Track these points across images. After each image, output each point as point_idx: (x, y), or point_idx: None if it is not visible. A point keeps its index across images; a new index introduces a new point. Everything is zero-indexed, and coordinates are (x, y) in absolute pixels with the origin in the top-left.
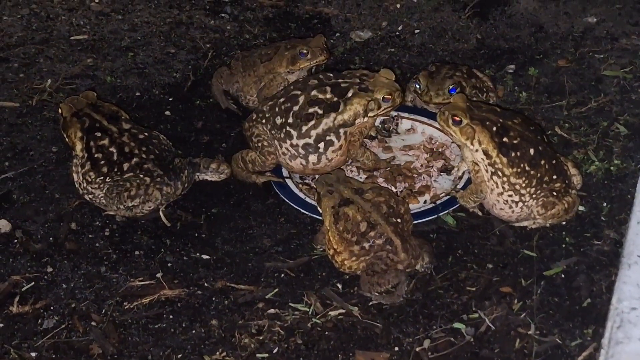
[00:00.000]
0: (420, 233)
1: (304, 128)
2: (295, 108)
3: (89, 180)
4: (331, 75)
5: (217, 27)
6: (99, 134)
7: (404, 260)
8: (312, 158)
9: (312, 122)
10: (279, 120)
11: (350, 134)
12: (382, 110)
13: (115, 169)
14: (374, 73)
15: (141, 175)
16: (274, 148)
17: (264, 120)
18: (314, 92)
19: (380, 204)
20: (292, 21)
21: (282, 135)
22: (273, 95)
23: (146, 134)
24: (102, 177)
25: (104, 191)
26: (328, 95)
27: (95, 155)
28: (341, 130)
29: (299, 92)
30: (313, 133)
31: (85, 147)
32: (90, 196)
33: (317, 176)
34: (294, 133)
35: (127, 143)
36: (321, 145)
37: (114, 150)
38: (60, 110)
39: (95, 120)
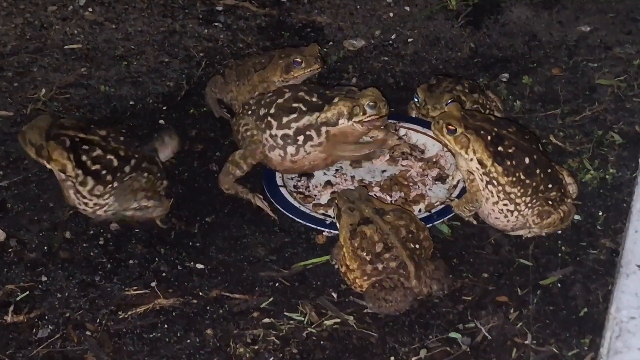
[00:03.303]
0: None
1: (285, 119)
2: (280, 100)
3: (99, 194)
4: (320, 88)
5: (211, 36)
6: (86, 147)
7: (415, 287)
8: (290, 149)
9: (294, 115)
10: (262, 111)
11: (333, 135)
12: (368, 117)
13: (119, 174)
14: (362, 89)
15: (145, 174)
16: (259, 136)
17: (249, 112)
18: (301, 93)
19: (399, 228)
20: (285, 30)
21: (263, 125)
22: (262, 93)
23: (118, 133)
24: (110, 186)
25: (115, 196)
26: (314, 99)
27: (94, 168)
28: (323, 128)
29: (287, 90)
30: (293, 125)
31: (76, 165)
32: (104, 209)
33: (305, 177)
34: (274, 123)
35: (117, 147)
36: (300, 138)
37: (112, 157)
38: (26, 141)
39: (74, 136)
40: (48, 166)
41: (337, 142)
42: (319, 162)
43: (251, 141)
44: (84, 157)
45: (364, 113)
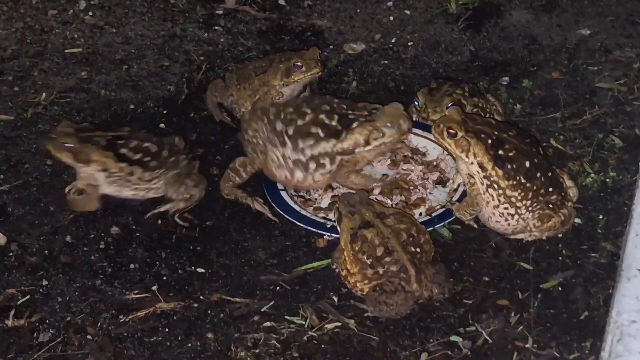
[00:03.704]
0: None
1: (301, 144)
2: (300, 122)
3: (148, 179)
4: (344, 105)
5: (211, 39)
6: (122, 141)
7: (416, 291)
8: (298, 175)
9: (311, 142)
10: (279, 127)
11: (347, 162)
12: (389, 138)
13: (161, 159)
14: (384, 107)
15: (182, 157)
16: (264, 149)
17: (265, 120)
18: (322, 116)
19: (400, 231)
20: (285, 34)
21: (277, 141)
22: (286, 102)
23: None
24: (157, 170)
25: (167, 184)
26: (334, 123)
27: (136, 157)
28: (338, 157)
29: (308, 111)
30: (308, 152)
31: (118, 159)
32: (153, 191)
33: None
34: (290, 145)
35: (151, 137)
36: (312, 165)
37: (149, 145)
38: (60, 148)
39: (105, 135)
40: (87, 169)
41: (347, 169)
42: (322, 185)
43: (254, 149)
44: (123, 150)
45: (383, 135)
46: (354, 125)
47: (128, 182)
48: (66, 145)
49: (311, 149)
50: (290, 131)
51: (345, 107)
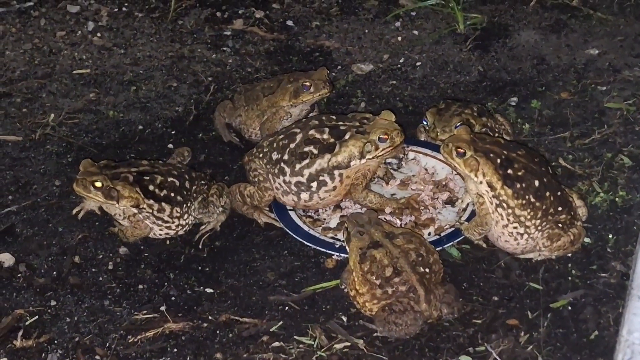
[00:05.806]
0: None
1: (297, 166)
2: (292, 145)
3: (179, 215)
4: (334, 117)
5: (219, 60)
6: (148, 177)
7: (425, 311)
8: (304, 196)
9: (306, 161)
10: (275, 156)
11: (347, 177)
12: (382, 151)
13: (185, 193)
14: (375, 117)
15: (203, 182)
16: (269, 183)
17: (261, 155)
18: (311, 132)
19: (409, 251)
20: (293, 54)
21: (276, 170)
22: (276, 132)
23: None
24: (186, 204)
25: (197, 212)
26: (325, 136)
27: (163, 194)
28: (336, 172)
29: (298, 130)
30: (306, 172)
31: (146, 196)
32: (185, 228)
33: (319, 210)
34: (288, 170)
35: (171, 170)
36: (314, 184)
37: (172, 179)
38: (90, 188)
39: (130, 171)
40: (117, 206)
41: (361, 184)
42: (333, 203)
43: (259, 188)
44: (150, 187)
45: (377, 148)
46: (347, 136)
47: (158, 219)
48: (95, 185)
49: (308, 168)
50: (286, 156)
51: (334, 118)
